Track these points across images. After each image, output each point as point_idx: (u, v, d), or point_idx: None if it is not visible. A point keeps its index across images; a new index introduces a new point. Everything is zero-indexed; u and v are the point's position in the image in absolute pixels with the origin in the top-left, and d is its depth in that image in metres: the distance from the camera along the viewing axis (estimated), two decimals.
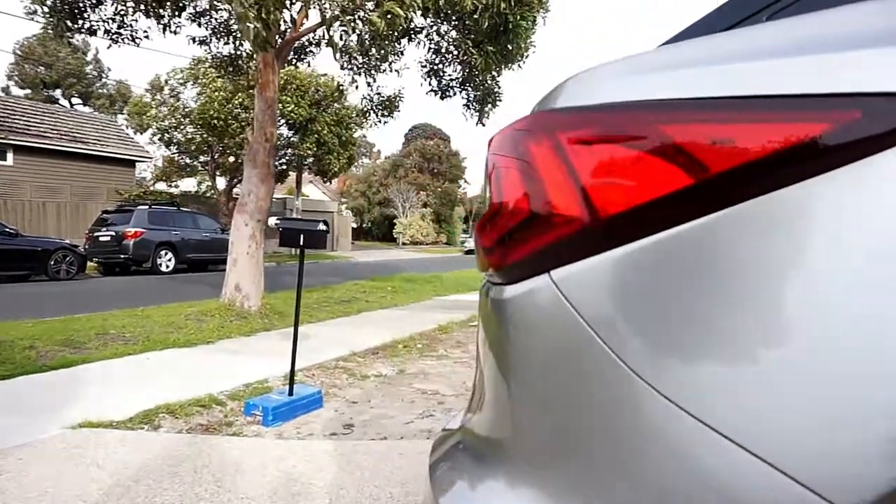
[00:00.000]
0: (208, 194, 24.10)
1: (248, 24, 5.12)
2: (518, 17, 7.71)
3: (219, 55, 9.40)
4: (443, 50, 9.22)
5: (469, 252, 35.06)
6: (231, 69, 9.48)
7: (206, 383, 4.36)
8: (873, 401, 0.47)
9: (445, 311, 8.86)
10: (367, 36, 7.08)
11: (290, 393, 3.87)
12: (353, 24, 6.37)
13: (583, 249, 0.64)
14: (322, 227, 3.87)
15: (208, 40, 9.24)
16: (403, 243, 42.23)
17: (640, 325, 0.59)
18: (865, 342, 0.48)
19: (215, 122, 18.91)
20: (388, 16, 5.85)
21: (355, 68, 9.25)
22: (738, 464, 0.51)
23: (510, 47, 8.26)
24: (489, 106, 9.49)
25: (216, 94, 18.66)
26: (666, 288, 0.58)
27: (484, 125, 9.54)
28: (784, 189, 0.53)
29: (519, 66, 8.86)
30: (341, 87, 10.22)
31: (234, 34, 9.01)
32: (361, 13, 6.33)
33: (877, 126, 0.51)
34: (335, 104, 20.92)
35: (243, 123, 18.85)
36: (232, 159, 22.01)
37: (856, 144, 0.51)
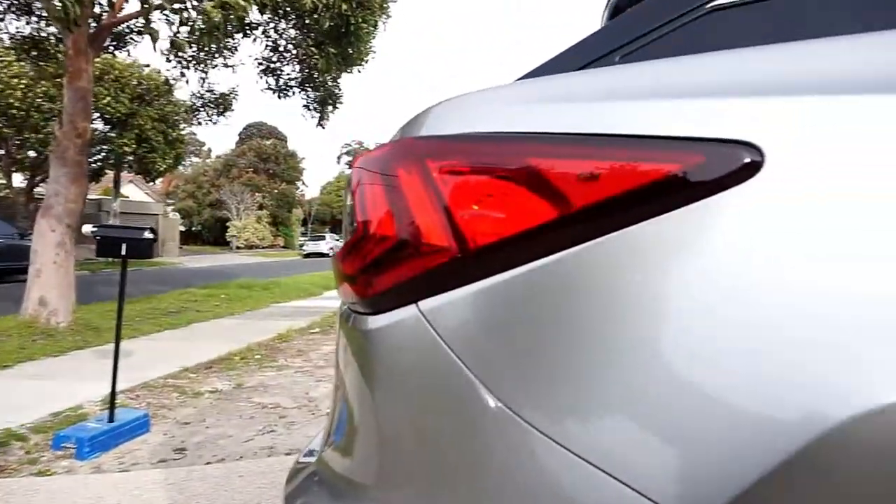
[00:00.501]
0: (1, 194, 21.01)
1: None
2: (360, 20, 7.68)
3: (19, 35, 8.23)
4: (281, 48, 8.90)
5: (308, 255, 34.22)
6: (34, 53, 8.35)
7: (0, 417, 3.78)
8: (718, 426, 0.51)
9: (285, 319, 8.55)
10: (200, 28, 6.62)
11: (111, 419, 3.47)
12: (184, 15, 5.91)
13: (452, 280, 0.63)
14: (148, 234, 3.52)
15: (2, 16, 8.05)
16: (238, 247, 40.14)
17: (510, 357, 0.59)
18: (708, 371, 0.52)
19: (14, 111, 16.55)
20: (226, 7, 5.51)
21: (184, 62, 8.60)
22: (604, 490, 0.53)
23: (351, 50, 8.20)
24: (330, 108, 9.34)
25: (15, 80, 16.33)
26: (534, 318, 0.59)
27: (324, 127, 9.38)
28: (640, 224, 0.56)
29: (360, 69, 8.83)
30: (169, 82, 9.46)
31: (36, 11, 7.94)
32: (194, 2, 5.90)
33: (716, 170, 0.55)
34: (160, 99, 19.31)
35: (48, 115, 16.70)
36: (33, 154, 19.40)
37: (699, 185, 0.55)
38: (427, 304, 0.64)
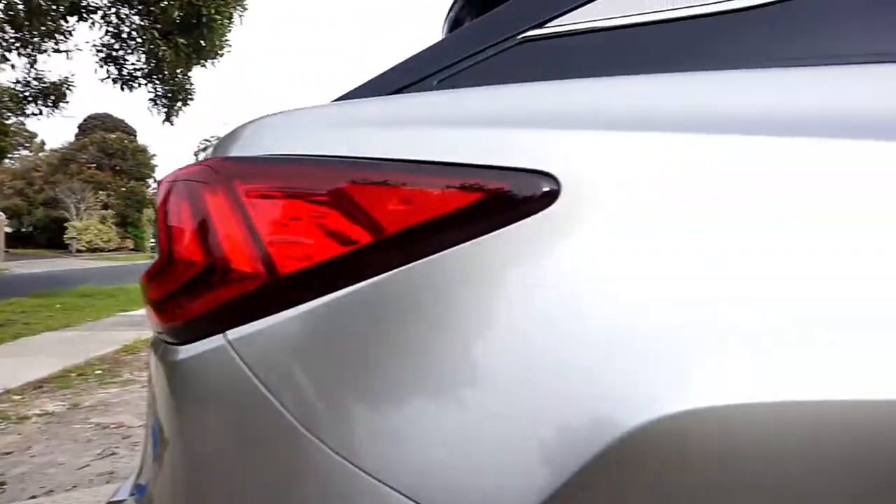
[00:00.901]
0: None
1: None
2: (213, 11, 7.27)
3: None
4: (124, 35, 8.19)
5: None
6: None
7: None
8: (519, 442, 0.53)
9: (133, 329, 7.88)
10: (20, 5, 5.90)
11: None
12: None
13: (261, 308, 0.60)
14: None
15: None
16: (78, 250, 36.46)
17: (321, 388, 0.58)
18: (508, 390, 0.54)
19: None
20: None
21: (3, 43, 7.65)
22: None
23: (204, 42, 7.74)
24: (180, 103, 8.74)
25: None
26: (346, 347, 0.59)
27: (172, 124, 8.75)
28: (448, 250, 0.58)
29: (213, 63, 8.36)
30: None
31: None
32: None
33: (518, 198, 0.58)
34: None
35: None
36: None
37: (503, 212, 0.58)
38: (236, 333, 0.61)
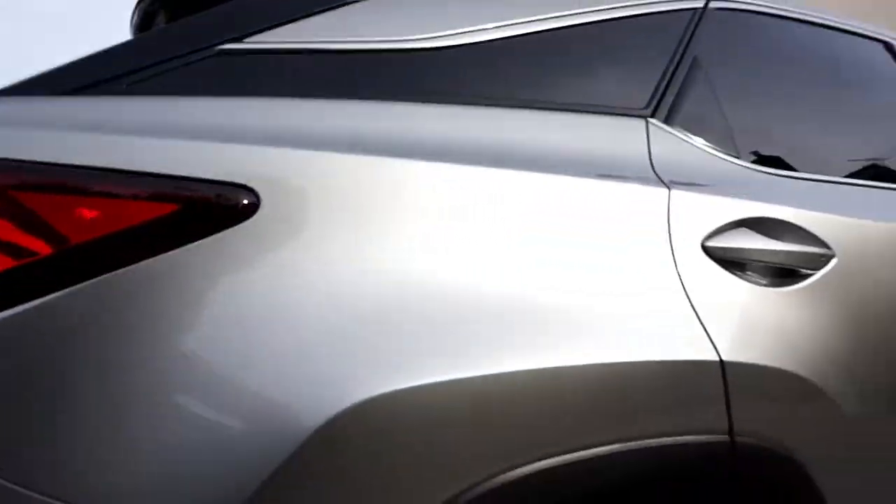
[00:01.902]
0: None
1: None
2: None
3: None
4: None
5: None
6: None
7: None
8: (221, 444, 0.57)
9: None
10: None
11: None
12: None
13: None
14: None
15: None
16: None
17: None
18: (218, 403, 0.57)
19: None
20: None
21: None
22: None
23: None
24: None
25: None
26: (31, 364, 0.55)
27: None
28: (144, 261, 0.57)
29: None
30: None
31: None
32: None
33: (219, 209, 0.61)
34: None
35: None
36: None
37: (202, 223, 0.60)
38: None
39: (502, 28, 0.91)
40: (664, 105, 0.97)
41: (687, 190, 0.87)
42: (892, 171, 1.30)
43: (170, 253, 0.58)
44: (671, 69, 1.02)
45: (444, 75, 0.84)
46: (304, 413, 0.57)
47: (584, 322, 0.73)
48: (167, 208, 0.58)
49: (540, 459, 0.66)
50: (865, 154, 1.29)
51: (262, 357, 0.58)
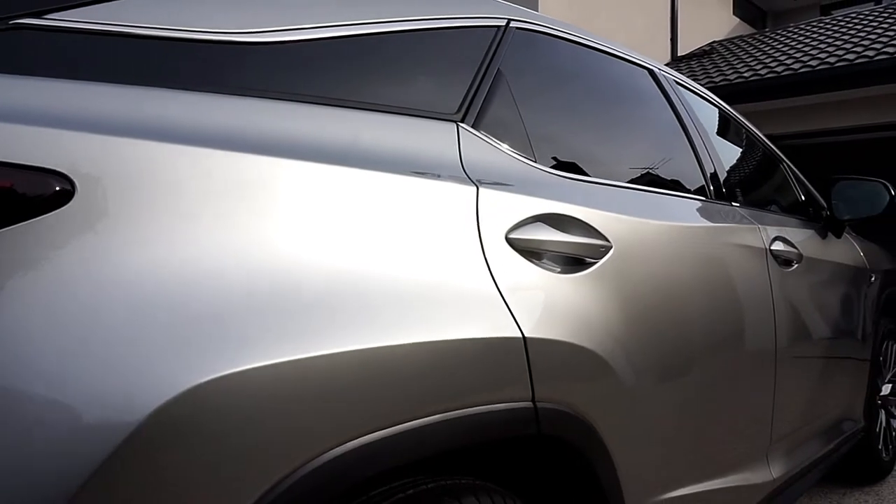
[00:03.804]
0: None
1: None
2: None
3: None
4: None
5: None
6: None
7: None
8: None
9: None
10: None
11: None
12: None
13: None
14: None
15: None
16: None
17: None
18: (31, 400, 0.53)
19: None
20: None
21: None
22: None
23: None
24: None
25: None
26: None
27: None
28: None
29: None
30: None
31: None
32: None
33: (26, 196, 0.56)
34: None
35: None
36: None
37: (7, 210, 0.55)
38: None
39: (323, 28, 0.94)
40: (472, 111, 1.07)
41: (493, 189, 0.97)
42: (659, 178, 1.55)
43: None
44: (479, 79, 1.12)
45: (263, 70, 0.85)
46: (121, 407, 0.55)
47: (406, 305, 0.79)
48: None
49: (370, 433, 0.70)
50: (637, 163, 1.53)
51: (70, 353, 0.55)
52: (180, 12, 0.79)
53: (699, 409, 1.34)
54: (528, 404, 0.91)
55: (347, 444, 0.68)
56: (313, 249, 0.73)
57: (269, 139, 0.77)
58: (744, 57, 7.81)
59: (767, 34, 9.33)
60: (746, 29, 10.72)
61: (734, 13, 10.61)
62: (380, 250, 0.80)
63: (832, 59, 6.31)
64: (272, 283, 0.68)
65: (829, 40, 7.19)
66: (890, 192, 2.12)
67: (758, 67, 6.98)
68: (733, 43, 9.07)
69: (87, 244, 0.58)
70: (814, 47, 7.10)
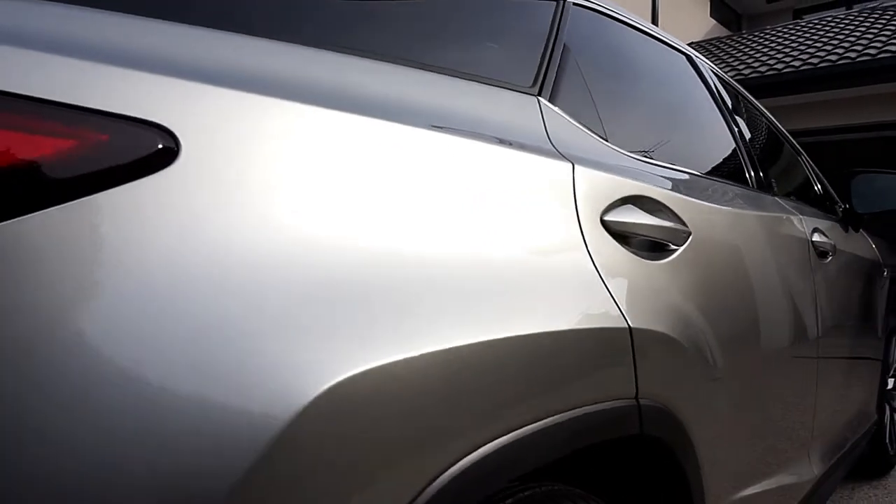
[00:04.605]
0: None
1: None
2: None
3: None
4: None
5: None
6: None
7: None
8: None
9: None
10: None
11: None
12: None
13: None
14: None
15: None
16: None
17: None
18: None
19: None
20: None
21: None
22: None
23: None
24: None
25: None
26: None
27: None
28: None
29: None
30: None
31: None
32: None
33: (122, 154, 0.46)
34: None
35: None
36: None
37: (99, 172, 0.45)
38: None
39: None
40: (547, 85, 0.99)
41: (586, 166, 0.89)
42: (715, 165, 1.50)
43: (67, 205, 0.42)
44: (549, 52, 1.04)
45: (348, 25, 0.75)
46: (266, 408, 0.46)
47: (515, 291, 0.71)
48: (67, 145, 0.43)
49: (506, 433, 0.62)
50: (693, 149, 1.47)
51: (190, 346, 0.45)
52: None
53: (763, 403, 1.28)
54: (633, 402, 0.83)
55: (482, 448, 0.60)
56: (432, 230, 0.64)
57: (383, 104, 0.67)
58: (724, 57, 7.90)
59: (745, 36, 9.46)
60: (723, 31, 10.87)
61: (711, 15, 10.74)
62: (484, 232, 0.71)
63: (814, 60, 6.40)
64: (400, 269, 0.58)
65: (803, 44, 7.31)
66: None
67: (740, 68, 7.06)
68: (711, 44, 9.18)
69: (199, 214, 0.48)
70: (793, 48, 7.20)
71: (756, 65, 6.86)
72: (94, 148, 0.44)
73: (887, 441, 2.67)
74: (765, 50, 7.62)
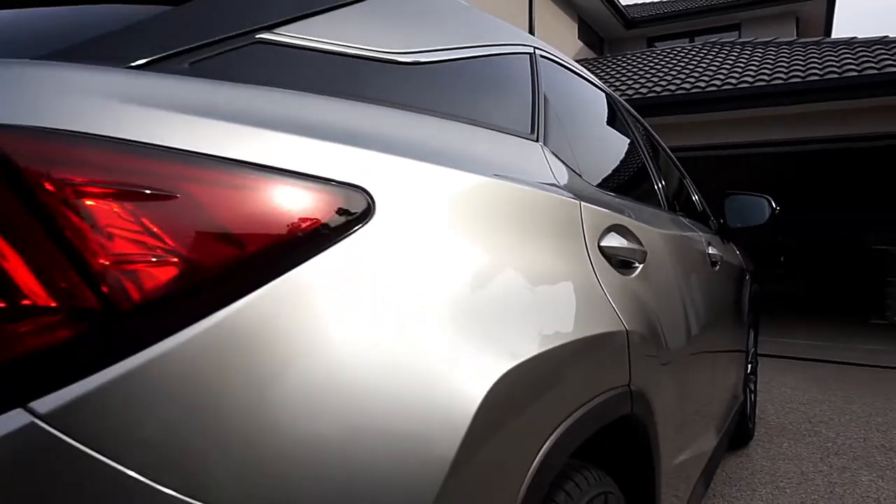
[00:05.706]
0: None
1: None
2: None
3: None
4: None
5: None
6: None
7: None
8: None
9: None
10: None
11: None
12: None
13: (88, 359, 0.41)
14: None
15: None
16: None
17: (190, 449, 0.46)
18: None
19: None
20: None
21: None
22: None
23: None
24: None
25: None
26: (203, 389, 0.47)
27: None
28: (302, 266, 0.55)
29: None
30: None
31: None
32: None
33: (349, 212, 0.61)
34: None
35: None
36: None
37: (340, 226, 0.59)
38: (49, 403, 0.39)
39: (442, 51, 1.02)
40: (540, 132, 1.20)
41: (585, 202, 1.12)
42: (643, 191, 1.80)
43: (319, 257, 0.56)
44: (536, 102, 1.26)
45: (421, 89, 0.92)
46: (462, 397, 0.63)
47: (565, 309, 0.92)
48: (327, 209, 0.57)
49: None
50: (630, 178, 1.76)
51: (404, 352, 0.61)
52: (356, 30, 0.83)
53: (689, 386, 1.59)
54: (626, 388, 1.06)
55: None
56: (507, 263, 0.83)
57: (474, 160, 0.86)
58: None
59: (609, 59, 10.40)
60: (590, 53, 11.84)
61: (579, 37, 11.67)
62: (534, 261, 0.90)
63: (672, 87, 7.24)
64: (524, 290, 0.78)
65: (660, 71, 8.23)
66: (772, 206, 2.58)
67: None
68: (583, 65, 9.98)
69: (393, 258, 0.64)
70: (652, 74, 8.08)
71: (623, 87, 7.62)
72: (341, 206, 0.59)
73: (748, 417, 3.19)
74: (630, 73, 8.47)
